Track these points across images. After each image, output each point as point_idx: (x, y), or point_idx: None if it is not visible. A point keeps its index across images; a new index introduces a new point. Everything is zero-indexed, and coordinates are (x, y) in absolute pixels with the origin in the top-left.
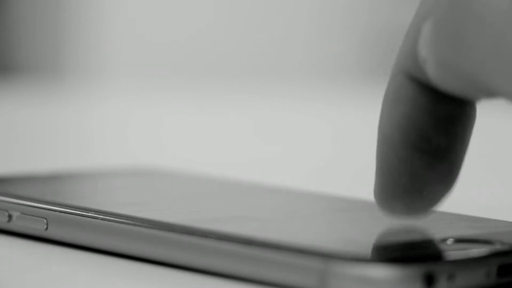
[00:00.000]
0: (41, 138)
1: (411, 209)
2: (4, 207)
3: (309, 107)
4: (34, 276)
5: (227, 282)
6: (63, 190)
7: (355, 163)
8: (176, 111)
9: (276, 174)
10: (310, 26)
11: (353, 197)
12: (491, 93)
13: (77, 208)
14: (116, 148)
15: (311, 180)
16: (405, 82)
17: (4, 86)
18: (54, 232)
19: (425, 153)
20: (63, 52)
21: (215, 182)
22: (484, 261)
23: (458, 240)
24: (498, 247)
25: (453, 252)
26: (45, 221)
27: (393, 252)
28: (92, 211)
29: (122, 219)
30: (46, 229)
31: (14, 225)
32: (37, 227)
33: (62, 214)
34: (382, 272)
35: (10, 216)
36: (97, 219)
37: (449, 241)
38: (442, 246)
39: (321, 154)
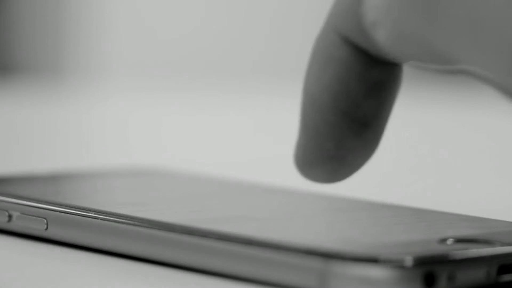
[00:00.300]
0: (41, 138)
1: (331, 176)
2: (4, 207)
3: None
4: (34, 276)
5: (227, 282)
6: (63, 190)
7: None
8: (176, 111)
9: (276, 174)
10: (310, 26)
11: (353, 197)
12: (449, 63)
13: (77, 208)
14: (116, 148)
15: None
16: (338, 42)
17: (4, 86)
18: (54, 232)
19: (353, 119)
20: (63, 52)
21: (215, 182)
22: (484, 261)
23: (458, 240)
24: (498, 247)
25: (453, 252)
26: (45, 221)
27: (393, 252)
28: (92, 211)
29: (122, 219)
30: (46, 229)
31: (14, 225)
32: (37, 227)
33: (62, 214)
34: (382, 272)
35: (10, 216)
36: (97, 219)
37: (449, 241)
38: (442, 246)
39: None
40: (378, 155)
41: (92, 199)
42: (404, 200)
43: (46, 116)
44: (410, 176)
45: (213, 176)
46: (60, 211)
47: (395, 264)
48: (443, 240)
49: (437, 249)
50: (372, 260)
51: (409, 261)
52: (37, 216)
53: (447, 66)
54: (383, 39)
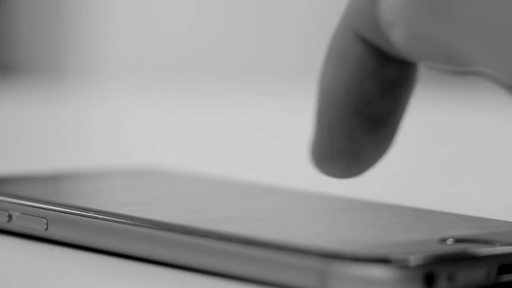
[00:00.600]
0: (41, 138)
1: (346, 171)
2: (4, 207)
3: (308, 106)
4: (34, 276)
5: (227, 282)
6: (63, 190)
7: None
8: (176, 111)
9: (276, 174)
10: (310, 26)
11: (353, 197)
12: (463, 64)
13: (77, 208)
14: (116, 148)
15: (311, 180)
16: (353, 41)
17: (4, 86)
18: (54, 232)
19: (367, 116)
20: (63, 52)
21: (215, 182)
22: (484, 261)
23: (458, 240)
24: (498, 247)
25: (453, 252)
26: (45, 221)
27: (393, 252)
28: (92, 211)
29: (122, 219)
30: (46, 229)
31: (14, 225)
32: (37, 227)
33: (62, 214)
34: (382, 272)
35: (10, 216)
36: (97, 219)
37: (449, 241)
38: (442, 246)
39: None
40: None
41: (92, 199)
42: (404, 200)
43: (46, 116)
44: (410, 176)
45: (213, 176)
46: (60, 211)
47: (395, 264)
48: (443, 240)
49: (437, 249)
50: (372, 260)
51: (409, 261)
52: (37, 216)
53: (461, 67)
54: (398, 39)
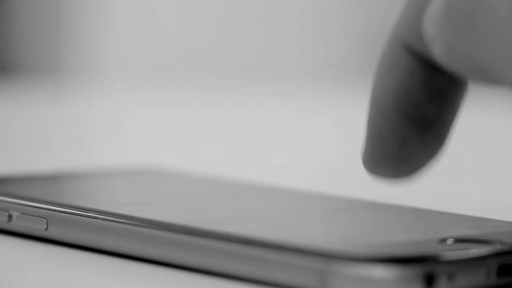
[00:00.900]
0: (41, 138)
1: (396, 174)
2: (4, 207)
3: (308, 106)
4: (34, 276)
5: (227, 282)
6: (63, 190)
7: (356, 163)
8: (176, 111)
9: (276, 174)
10: (311, 26)
11: (353, 197)
12: (496, 82)
13: (77, 208)
14: (116, 148)
15: (311, 179)
16: (402, 52)
17: (4, 86)
18: (54, 232)
19: (416, 121)
20: (63, 52)
21: (215, 182)
22: (484, 261)
23: (458, 240)
24: (498, 247)
25: (453, 252)
26: (45, 221)
27: (393, 252)
28: (92, 211)
29: (122, 219)
30: (46, 229)
31: (14, 225)
32: (37, 227)
33: (62, 214)
34: (382, 272)
35: (10, 216)
36: (97, 219)
37: (449, 241)
38: (442, 246)
39: (321, 154)
40: None
41: (92, 199)
42: (404, 200)
43: (46, 116)
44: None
45: (213, 176)
46: (60, 211)
47: (395, 264)
48: (443, 240)
49: (437, 249)
50: (372, 260)
51: (409, 261)
52: (37, 216)
53: (494, 85)
54: (437, 52)
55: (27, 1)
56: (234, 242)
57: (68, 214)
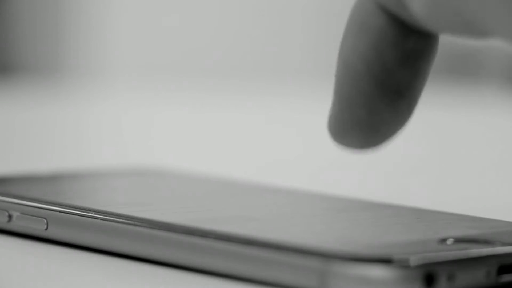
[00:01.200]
0: (41, 138)
1: (364, 143)
2: (4, 207)
3: (307, 106)
4: (34, 276)
5: (227, 282)
6: (63, 190)
7: (356, 163)
8: (176, 111)
9: (276, 174)
10: (311, 26)
11: (353, 197)
12: (484, 34)
13: (77, 208)
14: (116, 148)
15: (311, 179)
16: (374, 11)
17: (4, 86)
18: (54, 232)
19: (387, 87)
20: (63, 52)
21: (215, 182)
22: (484, 261)
23: (458, 240)
24: (498, 247)
25: (453, 252)
26: (45, 221)
27: (393, 252)
28: (92, 211)
29: (122, 219)
30: (46, 229)
31: (14, 225)
32: (37, 227)
33: (62, 214)
34: (382, 272)
35: (10, 216)
36: (97, 219)
37: (449, 241)
38: (442, 246)
39: (321, 154)
40: (377, 155)
41: (92, 199)
42: (404, 200)
43: (46, 116)
44: (410, 176)
45: (213, 176)
46: (60, 211)
47: (395, 264)
48: (443, 240)
49: (437, 249)
50: (372, 260)
51: (409, 261)
52: (37, 216)
53: (480, 38)
54: (418, 9)
55: (27, 1)
56: (234, 242)
57: (68, 214)
